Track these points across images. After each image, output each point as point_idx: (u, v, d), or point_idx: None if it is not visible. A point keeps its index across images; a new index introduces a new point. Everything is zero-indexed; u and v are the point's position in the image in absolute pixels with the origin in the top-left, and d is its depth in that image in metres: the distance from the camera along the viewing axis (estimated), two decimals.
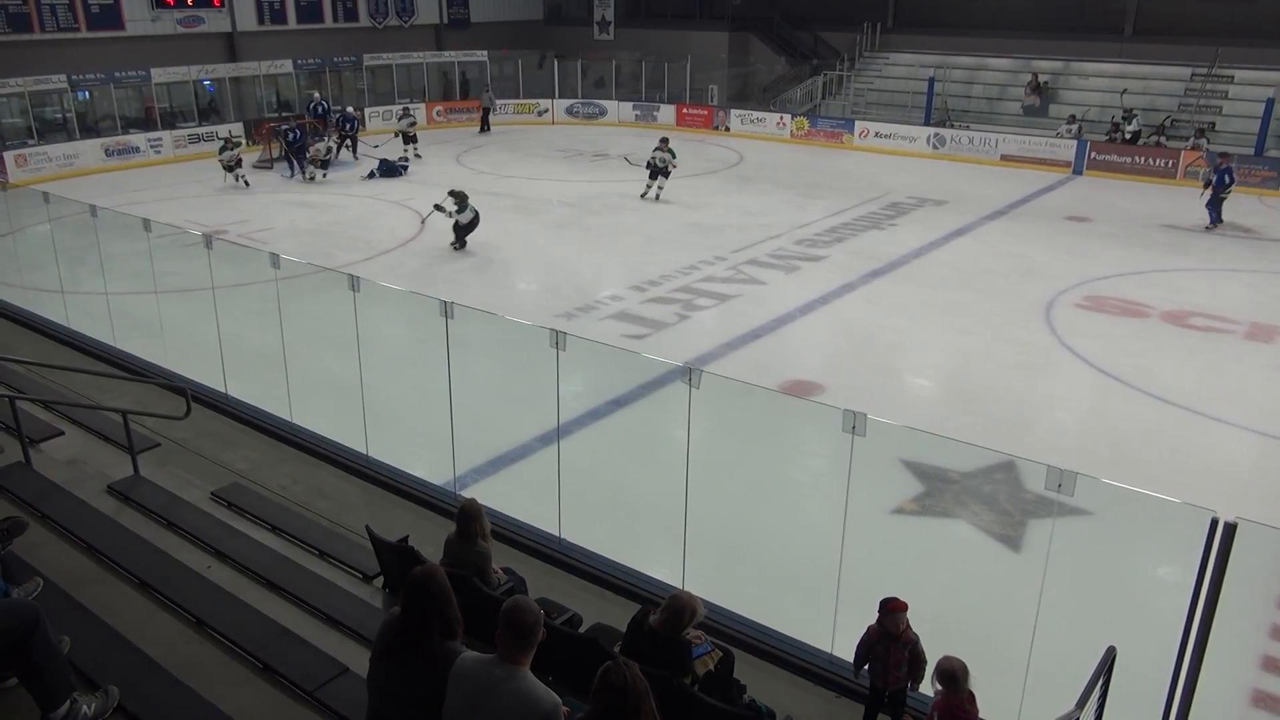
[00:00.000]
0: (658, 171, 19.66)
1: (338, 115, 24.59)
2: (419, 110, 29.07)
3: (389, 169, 22.34)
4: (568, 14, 35.65)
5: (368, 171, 22.33)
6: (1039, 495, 7.86)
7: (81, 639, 4.47)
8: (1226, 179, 17.93)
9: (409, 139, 23.75)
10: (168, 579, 5.27)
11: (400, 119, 24.30)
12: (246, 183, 21.06)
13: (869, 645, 5.00)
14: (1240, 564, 4.42)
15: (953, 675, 4.37)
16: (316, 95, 26.22)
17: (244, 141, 24.19)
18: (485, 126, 29.06)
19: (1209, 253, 16.57)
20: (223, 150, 21.26)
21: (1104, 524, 7.45)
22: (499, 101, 29.72)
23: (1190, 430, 9.96)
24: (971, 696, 4.43)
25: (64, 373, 9.16)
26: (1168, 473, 8.86)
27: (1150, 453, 9.42)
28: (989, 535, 7.97)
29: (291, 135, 22.20)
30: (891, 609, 4.91)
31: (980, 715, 4.44)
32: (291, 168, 22.28)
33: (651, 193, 19.79)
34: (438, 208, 16.48)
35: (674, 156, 19.67)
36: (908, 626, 4.93)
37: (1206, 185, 18.22)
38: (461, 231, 15.98)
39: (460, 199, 15.70)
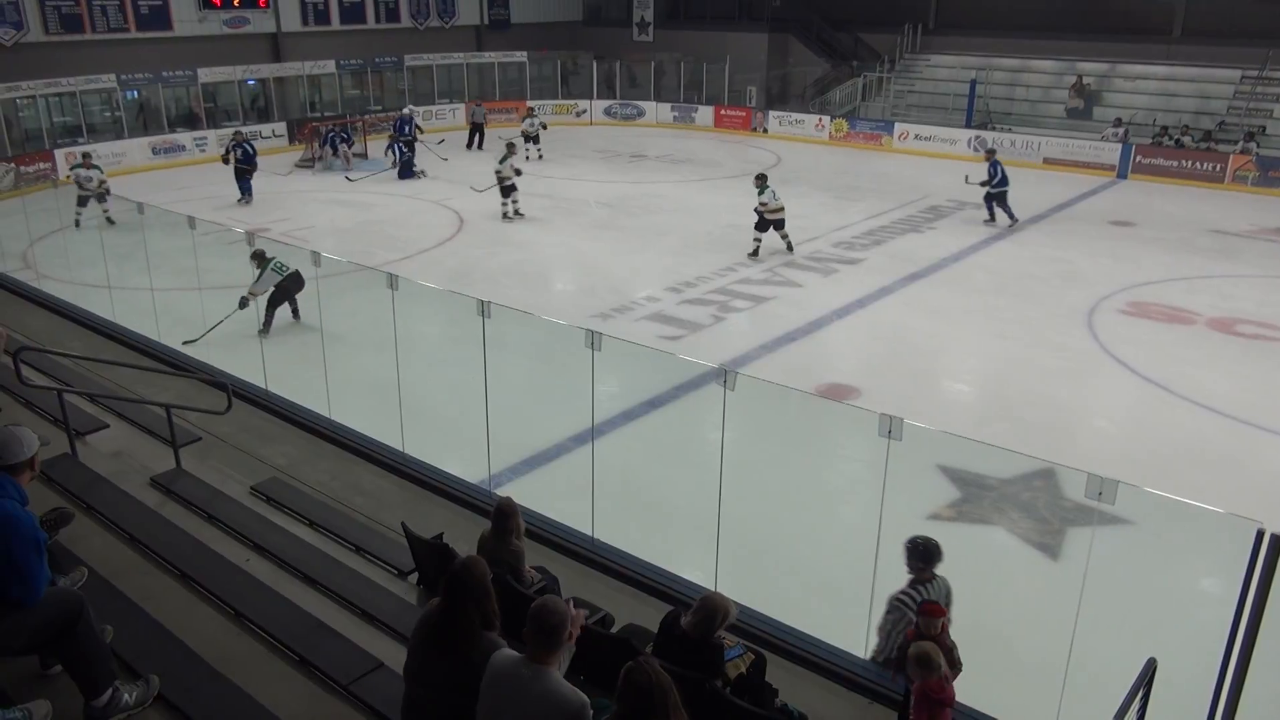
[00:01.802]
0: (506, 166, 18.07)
1: (396, 120, 23.87)
2: (456, 110, 29.37)
3: (407, 168, 22.31)
4: (607, 15, 35.72)
5: (391, 164, 22.46)
6: (1079, 503, 7.74)
7: (124, 628, 4.54)
8: (996, 172, 17.78)
9: (530, 138, 24.36)
10: (208, 571, 5.35)
11: (525, 118, 24.87)
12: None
13: (905, 649, 4.85)
14: None
15: (926, 659, 4.42)
16: (407, 111, 24.06)
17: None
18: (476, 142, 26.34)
19: (1257, 259, 16.22)
20: (225, 154, 20.15)
21: (1145, 534, 7.33)
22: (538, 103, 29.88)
23: (1236, 440, 9.76)
24: (947, 677, 4.51)
25: (110, 367, 9.33)
26: (1212, 483, 8.68)
27: (1194, 462, 9.24)
28: (1027, 543, 7.86)
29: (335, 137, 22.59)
30: (928, 612, 4.82)
31: (955, 695, 4.50)
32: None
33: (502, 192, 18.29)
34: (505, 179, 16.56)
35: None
36: (944, 631, 4.84)
37: (983, 183, 17.99)
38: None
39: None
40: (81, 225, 17.01)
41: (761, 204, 15.51)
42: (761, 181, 15.62)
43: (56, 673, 4.19)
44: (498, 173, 18.22)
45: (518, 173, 18.33)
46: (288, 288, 11.92)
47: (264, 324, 11.73)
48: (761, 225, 15.67)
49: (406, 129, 23.12)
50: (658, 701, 3.15)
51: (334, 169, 23.02)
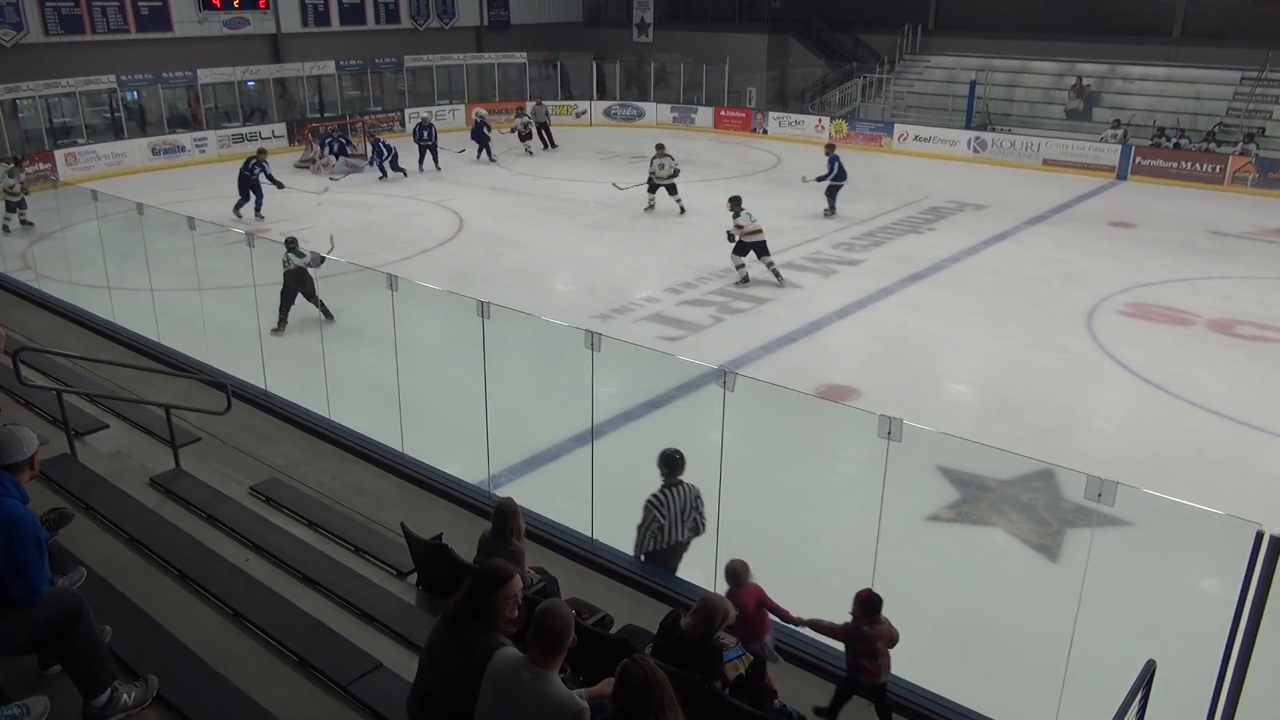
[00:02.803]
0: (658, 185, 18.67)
1: (415, 126, 24.01)
2: (457, 111, 29.36)
3: (393, 165, 22.22)
4: (607, 16, 35.73)
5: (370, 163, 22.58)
6: (1078, 505, 7.74)
7: (123, 629, 4.54)
8: (834, 168, 18.26)
9: (523, 136, 25.19)
10: (207, 571, 5.35)
11: (517, 116, 25.68)
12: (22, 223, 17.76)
13: (845, 636, 5.03)
14: None
15: (734, 573, 5.28)
16: (423, 116, 24.95)
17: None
18: (548, 142, 26.64)
19: (1257, 260, 16.22)
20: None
21: (1145, 535, 7.33)
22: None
23: (1236, 441, 9.76)
24: (756, 588, 5.26)
25: (109, 367, 9.33)
26: (1212, 484, 8.68)
27: (1194, 463, 9.24)
28: (1026, 544, 7.86)
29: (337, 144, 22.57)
30: (863, 599, 4.96)
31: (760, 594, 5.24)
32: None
33: (646, 202, 18.96)
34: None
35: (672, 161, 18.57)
36: (887, 625, 4.97)
37: (820, 178, 18.39)
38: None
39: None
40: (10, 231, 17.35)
41: (737, 226, 14.36)
42: (735, 204, 14.52)
43: (55, 672, 4.19)
44: (651, 174, 18.72)
45: (675, 173, 18.70)
46: (289, 285, 12.02)
47: (279, 321, 11.98)
48: (740, 249, 14.41)
49: (426, 134, 23.12)
50: (653, 698, 3.15)
51: (336, 174, 22.86)
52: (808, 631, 5.60)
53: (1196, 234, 17.75)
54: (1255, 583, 4.34)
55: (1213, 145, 22.39)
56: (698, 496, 6.35)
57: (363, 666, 4.60)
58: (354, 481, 7.87)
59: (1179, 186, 21.81)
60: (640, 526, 6.38)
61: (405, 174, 22.35)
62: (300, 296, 12.06)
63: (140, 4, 24.26)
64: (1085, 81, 26.03)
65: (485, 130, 24.57)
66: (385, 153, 22.24)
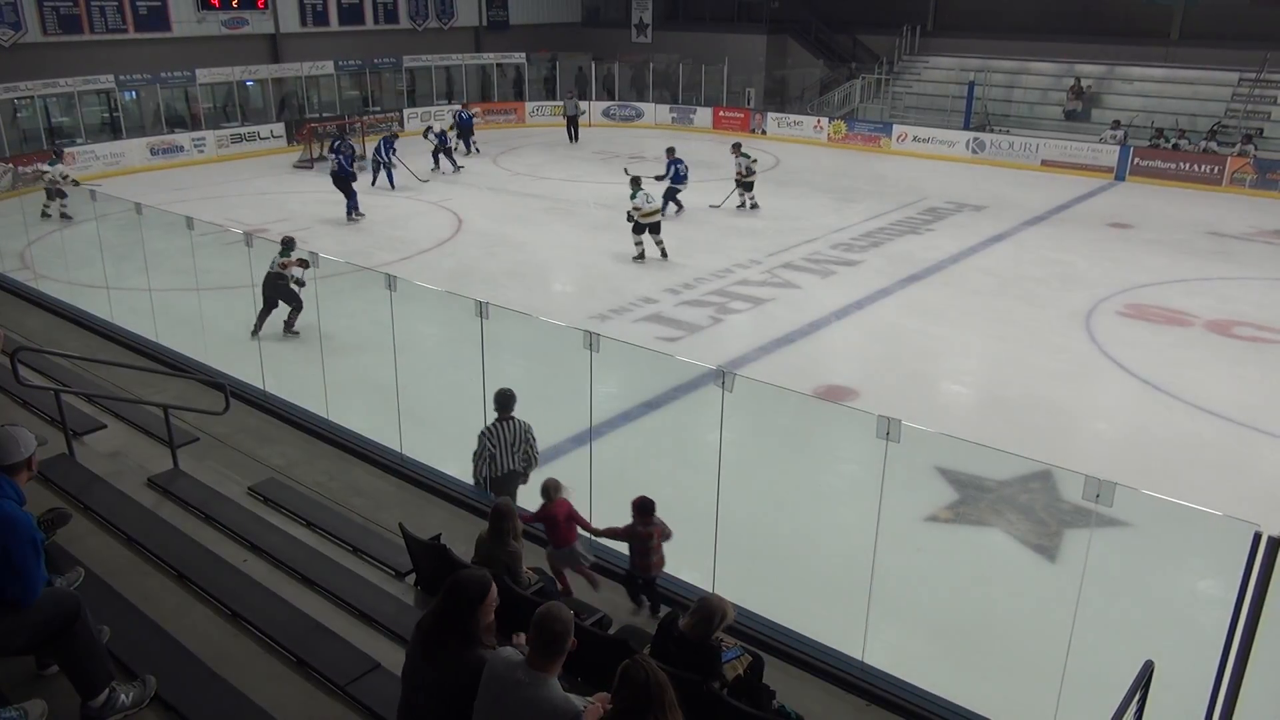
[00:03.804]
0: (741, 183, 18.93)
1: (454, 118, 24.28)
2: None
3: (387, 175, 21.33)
4: (606, 16, 35.73)
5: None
6: (1076, 505, 7.74)
7: (121, 629, 4.54)
8: (679, 170, 18.39)
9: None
10: (205, 572, 5.35)
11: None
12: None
13: (627, 536, 6.00)
14: None
15: (547, 489, 6.16)
16: (461, 110, 25.62)
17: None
18: (573, 135, 27.85)
19: (1255, 261, 16.24)
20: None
21: (1143, 536, 7.34)
22: (535, 104, 29.97)
23: (1234, 442, 9.77)
24: (566, 502, 6.11)
25: (107, 367, 9.32)
26: (1210, 485, 8.69)
27: (1192, 464, 9.25)
28: (1025, 545, 7.87)
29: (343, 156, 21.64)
30: (637, 504, 5.97)
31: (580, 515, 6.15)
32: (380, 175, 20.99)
33: (730, 202, 19.14)
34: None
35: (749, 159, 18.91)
36: (659, 525, 5.96)
37: (658, 177, 18.34)
38: None
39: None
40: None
41: (635, 208, 15.30)
42: (635, 185, 15.43)
43: (53, 673, 4.18)
44: (737, 175, 18.73)
45: (750, 171, 18.81)
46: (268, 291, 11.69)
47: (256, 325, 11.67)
48: (638, 229, 15.41)
49: (444, 138, 23.12)
50: (654, 698, 3.14)
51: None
52: (816, 637, 5.63)
53: (1195, 235, 17.77)
54: (1253, 583, 4.34)
55: (1211, 146, 22.40)
56: (528, 431, 7.30)
57: (361, 667, 4.59)
58: (352, 482, 7.86)
59: (1177, 187, 21.83)
60: (475, 455, 7.23)
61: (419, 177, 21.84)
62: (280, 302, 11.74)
63: (139, 4, 24.22)
64: (1084, 82, 26.04)
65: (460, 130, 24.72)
66: (382, 161, 21.05)
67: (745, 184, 18.98)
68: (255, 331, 11.51)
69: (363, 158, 22.85)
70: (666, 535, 6.02)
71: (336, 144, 19.79)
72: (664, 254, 15.67)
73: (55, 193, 17.80)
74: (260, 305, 11.66)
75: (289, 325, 11.87)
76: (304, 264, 11.34)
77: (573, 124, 27.97)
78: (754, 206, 19.25)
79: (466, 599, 3.51)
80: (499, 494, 7.00)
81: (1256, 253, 16.78)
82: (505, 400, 7.29)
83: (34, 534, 3.95)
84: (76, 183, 18.09)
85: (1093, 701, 4.80)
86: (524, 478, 7.37)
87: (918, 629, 6.71)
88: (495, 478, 7.23)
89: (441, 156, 23.06)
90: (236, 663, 4.58)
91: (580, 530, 6.21)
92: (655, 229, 15.52)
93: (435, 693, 3.56)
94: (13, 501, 3.94)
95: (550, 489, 6.20)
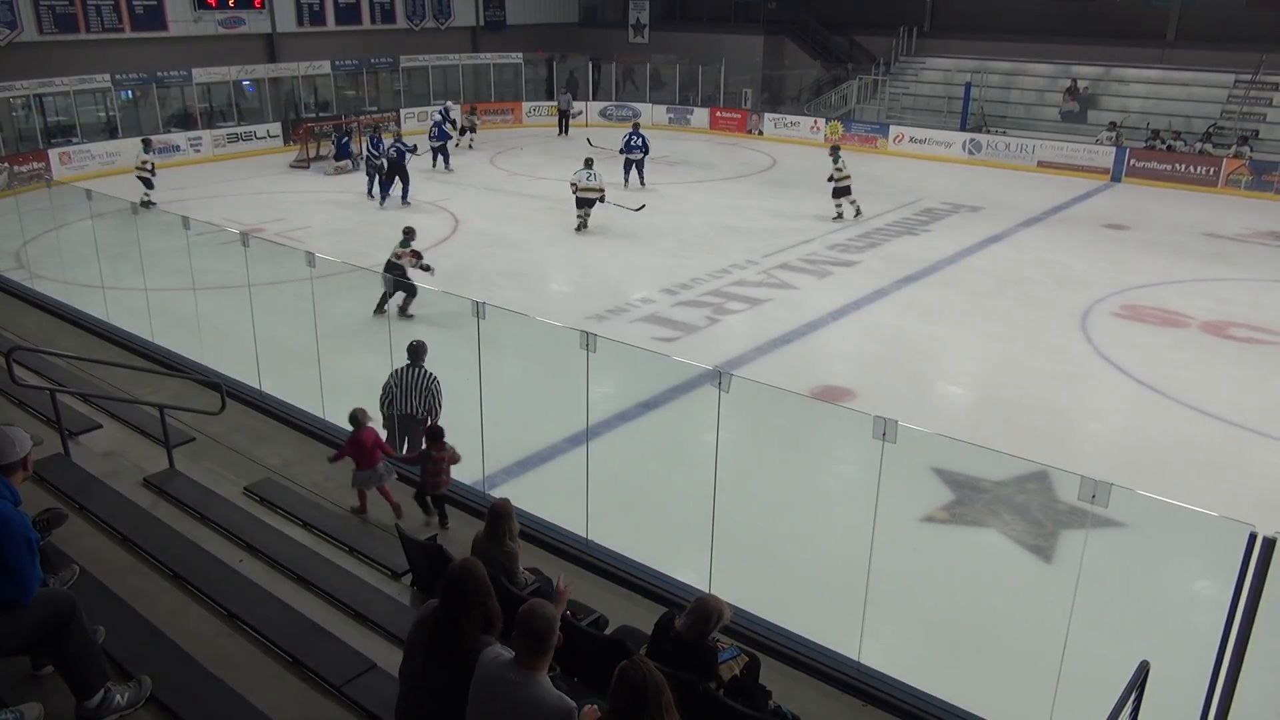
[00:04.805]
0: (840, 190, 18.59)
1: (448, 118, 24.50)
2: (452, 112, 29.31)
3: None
4: (603, 17, 35.72)
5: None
6: (1072, 506, 7.75)
7: (116, 629, 4.53)
8: (629, 141, 20.76)
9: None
10: (201, 572, 5.33)
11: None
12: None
13: (420, 459, 6.95)
14: (1279, 580, 4.34)
15: (355, 418, 7.06)
16: (451, 106, 26.23)
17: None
18: (564, 129, 28.99)
19: (1251, 262, 16.28)
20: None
21: (1139, 537, 7.35)
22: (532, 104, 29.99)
23: (1229, 443, 9.79)
24: (373, 430, 7.10)
25: (103, 367, 9.30)
26: (1205, 485, 8.71)
27: (1188, 465, 9.27)
28: (1020, 545, 7.88)
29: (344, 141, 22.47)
30: (430, 430, 6.99)
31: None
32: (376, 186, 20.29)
33: (850, 212, 18.78)
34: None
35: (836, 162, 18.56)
36: (449, 450, 6.93)
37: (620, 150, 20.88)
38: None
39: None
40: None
41: (573, 182, 17.53)
42: (588, 165, 17.70)
43: (48, 673, 4.17)
44: (839, 178, 18.58)
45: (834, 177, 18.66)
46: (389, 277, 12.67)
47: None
48: (578, 203, 17.49)
49: (442, 133, 23.39)
50: (650, 700, 3.14)
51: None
52: (813, 637, 5.63)
53: (1190, 236, 17.80)
54: (1248, 583, 4.35)
55: (1207, 148, 22.45)
56: (435, 382, 8.17)
57: (357, 667, 4.58)
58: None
59: (1173, 189, 21.87)
60: (381, 397, 8.17)
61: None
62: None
63: (135, 3, 24.18)
64: (1080, 84, 26.09)
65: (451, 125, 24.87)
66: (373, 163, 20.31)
67: (839, 189, 18.47)
68: (377, 310, 12.72)
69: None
70: (455, 459, 7.02)
71: (377, 139, 20.57)
72: (580, 227, 17.58)
73: (145, 180, 18.91)
74: (383, 289, 12.64)
75: (403, 310, 12.77)
76: (417, 255, 12.90)
77: (564, 118, 28.95)
78: (857, 214, 18.76)
79: (473, 585, 3.57)
80: (401, 435, 8.20)
81: (1252, 254, 16.82)
82: (415, 350, 8.26)
83: (29, 534, 3.93)
84: (153, 171, 19.22)
85: (1088, 701, 4.81)
86: (424, 423, 7.94)
87: (914, 629, 6.71)
88: (397, 417, 8.17)
89: (439, 157, 23.09)
90: (232, 663, 4.57)
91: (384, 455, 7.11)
92: (590, 204, 17.45)
93: (442, 690, 3.56)
94: (7, 502, 3.93)
95: (359, 417, 7.08)
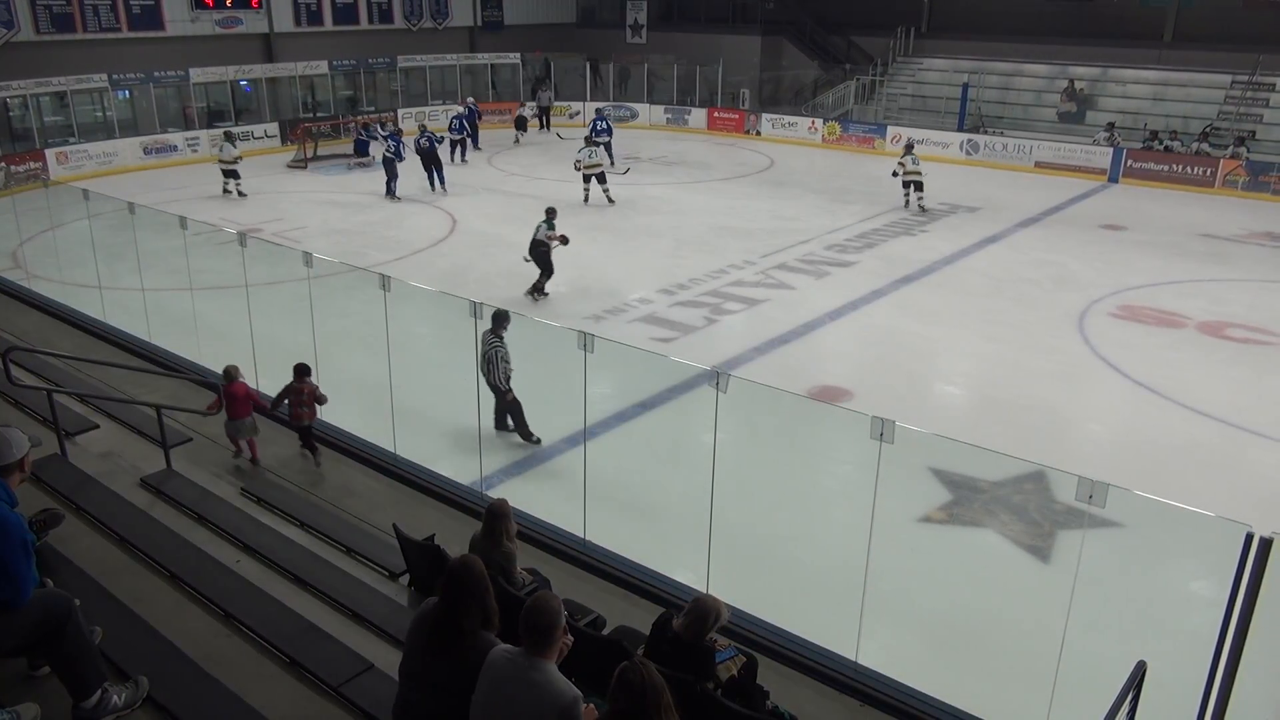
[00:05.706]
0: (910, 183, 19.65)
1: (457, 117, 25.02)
2: (451, 112, 29.29)
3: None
4: (600, 17, 35.70)
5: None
6: (1069, 506, 7.76)
7: (113, 630, 4.52)
8: (595, 125, 22.88)
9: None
10: (198, 572, 5.33)
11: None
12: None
13: (286, 393, 8.05)
14: (1276, 580, 4.35)
15: (228, 372, 7.89)
16: (472, 101, 27.19)
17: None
18: (545, 124, 29.77)
19: (1248, 263, 16.29)
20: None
21: (1136, 537, 7.36)
22: (530, 104, 29.96)
23: (1226, 443, 9.80)
24: (244, 384, 7.94)
25: (100, 367, 9.30)
26: (1202, 486, 8.72)
27: (1185, 465, 9.27)
28: (1018, 545, 7.88)
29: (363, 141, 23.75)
30: (296, 368, 7.97)
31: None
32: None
33: (913, 205, 19.71)
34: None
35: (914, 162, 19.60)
36: (311, 385, 8.00)
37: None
38: None
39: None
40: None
41: (577, 161, 19.39)
42: (586, 142, 19.96)
43: (45, 674, 4.17)
44: (908, 173, 19.57)
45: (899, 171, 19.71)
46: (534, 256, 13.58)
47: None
48: (585, 179, 19.41)
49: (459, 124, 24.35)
50: (650, 702, 3.15)
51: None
52: (810, 638, 5.62)
53: (1187, 237, 17.82)
54: (1245, 584, 4.36)
55: (1204, 148, 22.47)
56: (494, 349, 8.77)
57: (354, 668, 4.58)
58: (346, 482, 7.86)
59: (1170, 189, 21.90)
60: (503, 359, 8.84)
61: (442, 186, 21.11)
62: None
63: (132, 2, 24.12)
64: (1077, 84, 26.11)
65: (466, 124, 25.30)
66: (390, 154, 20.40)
67: (909, 182, 19.59)
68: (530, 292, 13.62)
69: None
70: (320, 399, 8.12)
71: (394, 133, 21.89)
72: (610, 199, 19.45)
73: (231, 173, 20.09)
74: (538, 270, 13.48)
75: (539, 289, 13.59)
76: (564, 240, 13.64)
77: (545, 114, 29.91)
78: (922, 209, 19.62)
79: (474, 580, 3.60)
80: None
81: (1249, 255, 16.84)
82: (496, 318, 8.81)
83: (25, 536, 3.93)
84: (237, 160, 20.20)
85: (1085, 701, 4.81)
86: (494, 390, 8.90)
87: (911, 629, 6.71)
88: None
89: (457, 148, 24.04)
90: (229, 663, 4.57)
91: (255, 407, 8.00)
92: (601, 178, 19.40)
93: (440, 686, 3.57)
94: (4, 504, 3.93)
95: (231, 372, 7.91)
